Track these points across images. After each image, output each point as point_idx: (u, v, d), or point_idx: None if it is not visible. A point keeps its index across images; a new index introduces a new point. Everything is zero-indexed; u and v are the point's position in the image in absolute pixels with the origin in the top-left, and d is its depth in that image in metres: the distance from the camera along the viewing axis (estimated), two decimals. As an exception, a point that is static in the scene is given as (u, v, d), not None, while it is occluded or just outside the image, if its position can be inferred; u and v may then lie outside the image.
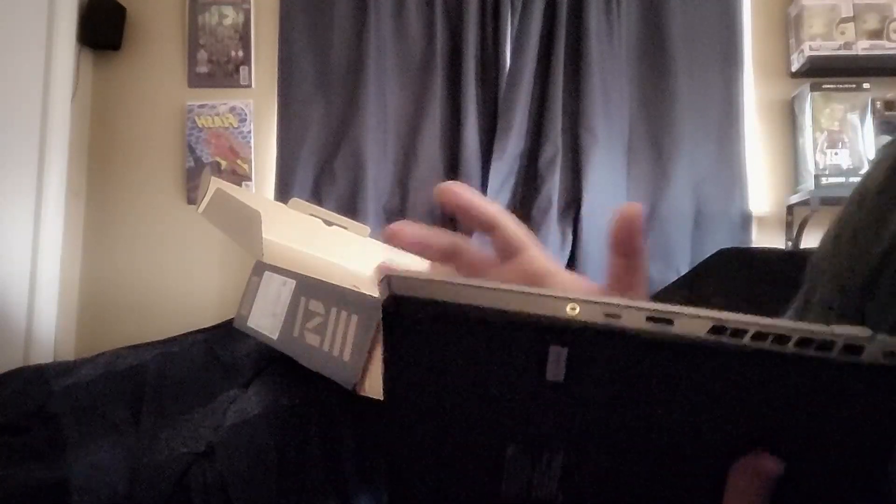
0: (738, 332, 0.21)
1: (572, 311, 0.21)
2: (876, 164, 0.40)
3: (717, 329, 0.21)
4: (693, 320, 0.21)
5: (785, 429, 0.22)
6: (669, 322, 0.21)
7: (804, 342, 0.20)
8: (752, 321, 0.21)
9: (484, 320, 0.22)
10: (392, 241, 0.38)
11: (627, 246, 0.34)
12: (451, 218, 1.94)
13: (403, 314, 0.22)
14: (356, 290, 0.89)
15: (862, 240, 0.38)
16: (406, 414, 0.25)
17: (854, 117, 1.83)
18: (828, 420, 0.21)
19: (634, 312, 0.21)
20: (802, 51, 1.87)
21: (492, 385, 0.23)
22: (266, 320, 1.04)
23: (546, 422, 0.23)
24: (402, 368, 0.23)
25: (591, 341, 0.21)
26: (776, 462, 0.22)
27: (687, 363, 0.21)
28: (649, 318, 0.21)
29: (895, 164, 0.38)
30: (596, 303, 0.21)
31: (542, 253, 0.39)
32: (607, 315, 0.21)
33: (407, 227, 0.38)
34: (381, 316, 0.23)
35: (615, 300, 0.22)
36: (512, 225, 0.38)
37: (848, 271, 0.38)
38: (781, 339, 0.20)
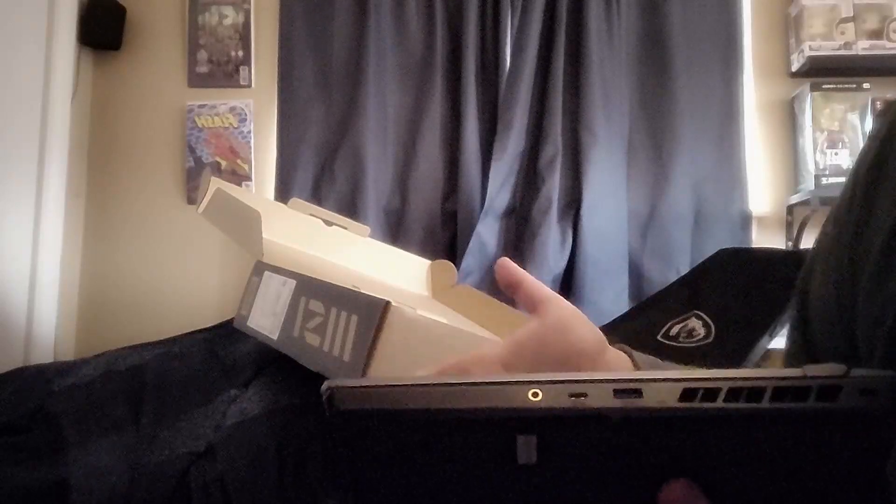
0: (711, 393, 0.20)
1: (534, 397, 0.20)
2: (870, 139, 0.39)
3: (689, 393, 0.20)
4: (662, 386, 0.20)
5: (765, 484, 0.21)
6: (638, 393, 0.20)
7: (779, 393, 0.19)
8: (723, 377, 0.20)
9: (440, 421, 0.21)
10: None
11: (510, 294, 0.41)
12: (451, 217, 1.94)
13: (352, 428, 0.21)
14: (356, 290, 0.89)
15: (854, 218, 0.38)
16: None
17: (854, 117, 1.83)
18: (810, 469, 0.20)
19: (601, 387, 0.20)
20: (802, 51, 1.87)
21: (464, 476, 0.22)
22: (266, 320, 1.04)
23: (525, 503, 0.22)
24: (366, 473, 0.22)
25: (559, 425, 0.20)
26: None
27: (661, 432, 0.20)
28: (617, 392, 0.20)
29: (887, 136, 0.37)
30: (559, 382, 0.20)
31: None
32: (572, 395, 0.20)
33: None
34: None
35: (580, 376, 0.20)
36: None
37: (841, 251, 0.38)
38: (755, 393, 0.19)
